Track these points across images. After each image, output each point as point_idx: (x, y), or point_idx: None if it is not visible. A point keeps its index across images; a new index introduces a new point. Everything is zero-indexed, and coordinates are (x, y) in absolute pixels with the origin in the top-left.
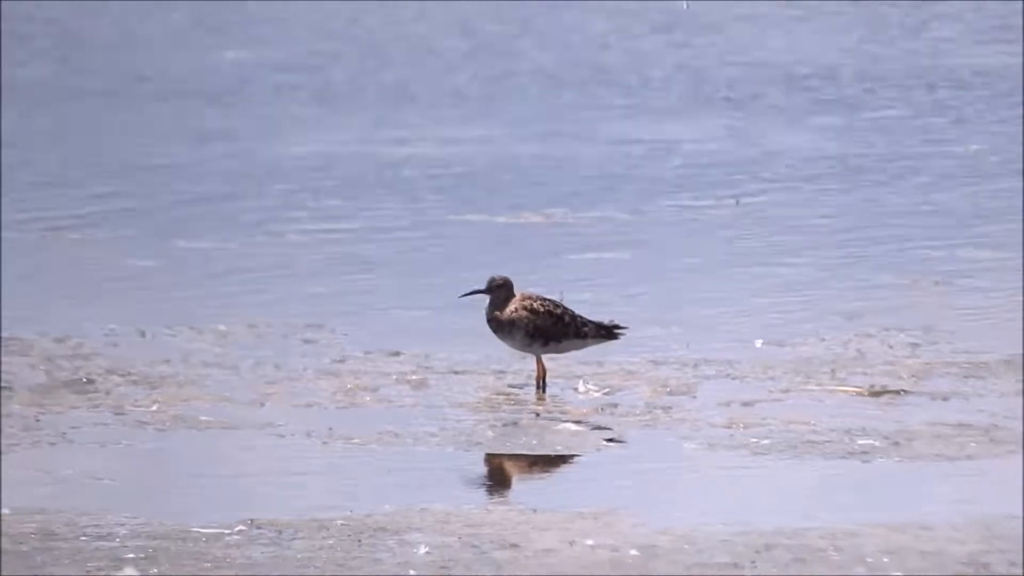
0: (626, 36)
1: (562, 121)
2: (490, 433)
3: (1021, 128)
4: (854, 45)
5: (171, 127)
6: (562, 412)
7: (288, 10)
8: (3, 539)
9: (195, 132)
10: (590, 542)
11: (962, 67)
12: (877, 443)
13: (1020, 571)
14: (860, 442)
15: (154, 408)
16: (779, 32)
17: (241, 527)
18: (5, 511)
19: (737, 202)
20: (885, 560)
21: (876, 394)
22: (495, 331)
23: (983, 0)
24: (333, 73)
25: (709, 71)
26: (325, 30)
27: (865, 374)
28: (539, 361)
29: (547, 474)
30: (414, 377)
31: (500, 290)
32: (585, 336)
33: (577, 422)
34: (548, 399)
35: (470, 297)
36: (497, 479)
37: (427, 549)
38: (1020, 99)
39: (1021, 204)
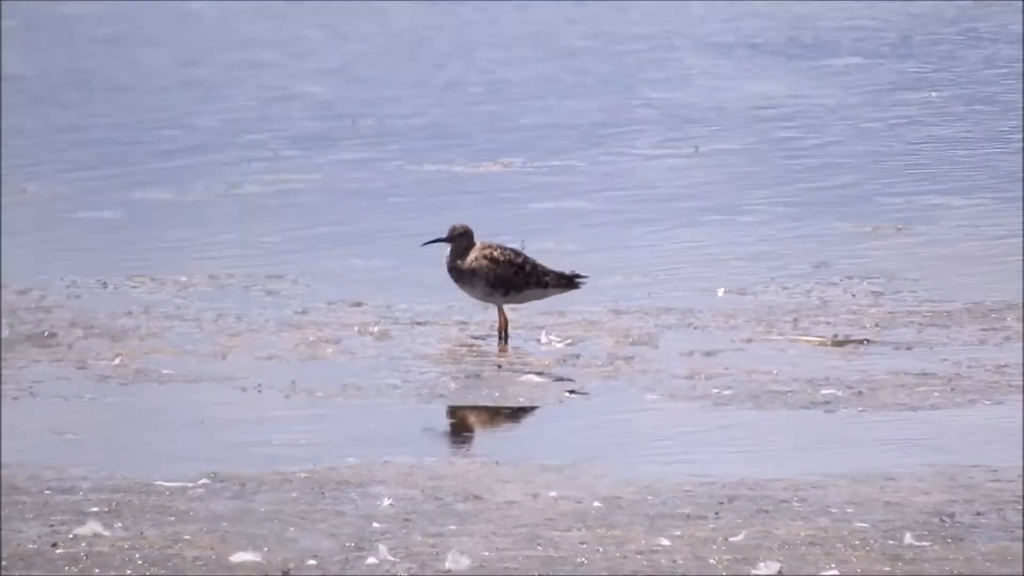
0: None
1: (519, 70)
2: (453, 385)
3: (982, 75)
4: None
5: (127, 78)
6: (524, 363)
7: None
8: None
9: (152, 81)
10: (553, 494)
11: (926, 14)
12: (840, 393)
13: (985, 521)
14: (823, 392)
15: (116, 362)
16: None
17: (204, 480)
18: None
19: (696, 150)
20: (849, 511)
21: (839, 343)
22: (456, 280)
23: None
24: (298, 27)
25: (665, 19)
26: None
27: (828, 323)
28: (501, 311)
29: (510, 426)
30: (376, 328)
31: (461, 238)
32: (546, 285)
33: (539, 373)
34: (510, 350)
35: (431, 247)
36: (460, 431)
37: (390, 501)
38: (980, 46)
39: (982, 151)
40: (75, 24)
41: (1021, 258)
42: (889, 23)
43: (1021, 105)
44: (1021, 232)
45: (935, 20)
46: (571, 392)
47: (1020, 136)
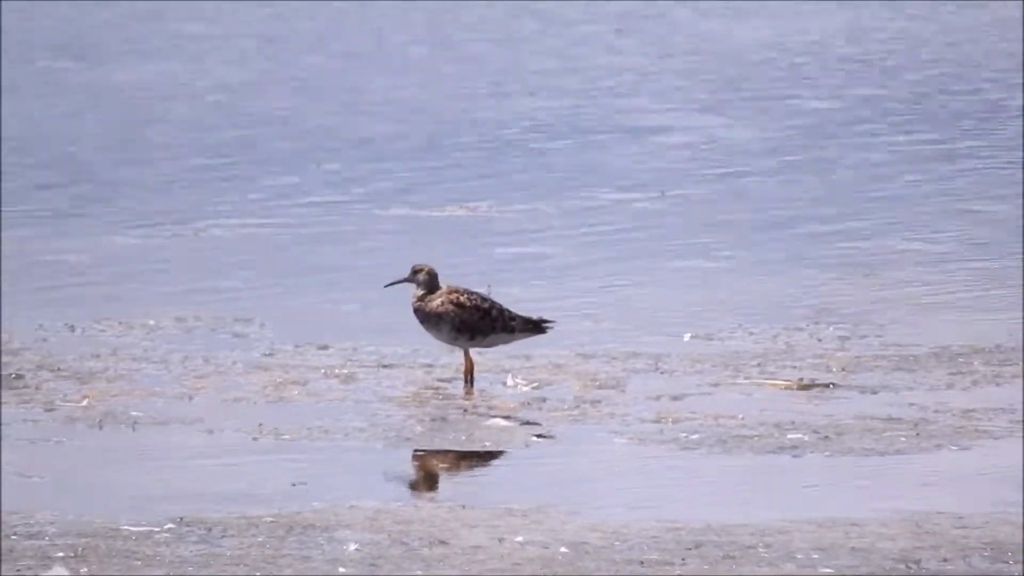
0: (556, 26)
1: (485, 113)
2: (419, 428)
3: (948, 120)
4: (784, 37)
5: (96, 118)
6: (490, 407)
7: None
8: None
9: (120, 124)
10: (520, 539)
11: (891, 59)
12: (806, 437)
13: (951, 568)
14: (789, 436)
15: (84, 404)
16: (707, 23)
17: (170, 525)
18: None
19: (663, 194)
20: (815, 557)
21: (805, 388)
22: (421, 322)
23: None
24: (260, 69)
25: (635, 62)
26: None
27: (794, 367)
28: (467, 355)
29: (476, 470)
30: (343, 371)
31: (420, 274)
32: (512, 330)
33: (506, 417)
34: (476, 393)
35: (397, 290)
36: (426, 475)
37: (356, 546)
38: (949, 92)
39: (949, 196)
40: (41, 59)
41: (987, 303)
42: (855, 65)
43: (987, 150)
44: (987, 276)
45: (902, 64)
46: (538, 436)
47: (986, 179)
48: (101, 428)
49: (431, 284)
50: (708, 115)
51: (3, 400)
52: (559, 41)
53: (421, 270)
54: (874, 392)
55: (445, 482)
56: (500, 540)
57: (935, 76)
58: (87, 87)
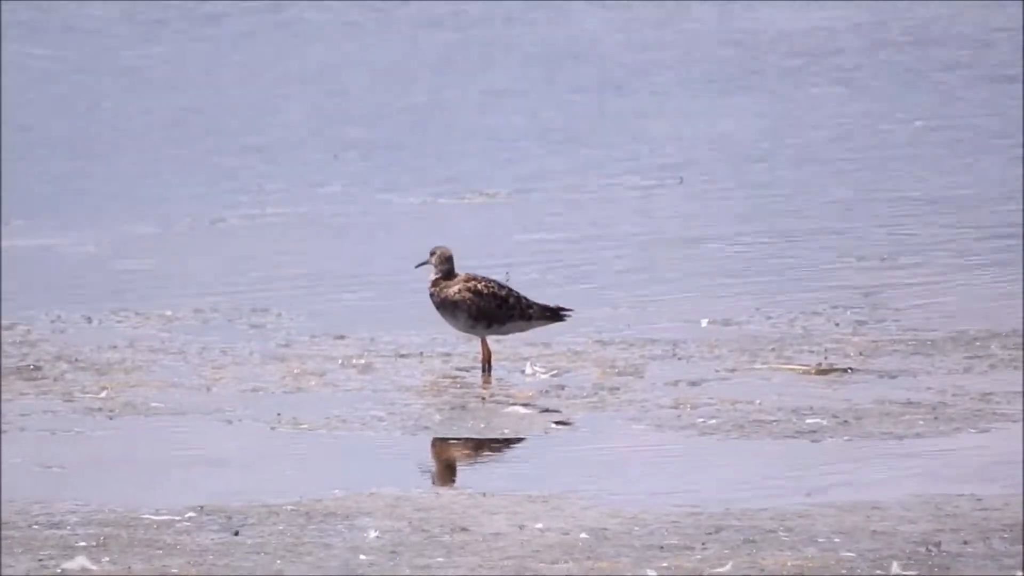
0: (568, 12)
1: (502, 98)
2: (437, 417)
3: (966, 105)
4: (797, 22)
5: (113, 110)
6: (509, 395)
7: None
8: None
9: (136, 116)
10: (540, 525)
11: (902, 39)
12: (825, 422)
13: (972, 550)
14: (808, 421)
15: (103, 395)
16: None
17: (191, 513)
18: None
19: (681, 181)
20: (836, 540)
21: (823, 372)
22: (437, 308)
23: None
24: (266, 53)
25: (652, 46)
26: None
27: (811, 352)
28: (484, 343)
29: (495, 457)
30: (360, 361)
31: (434, 257)
32: (530, 318)
33: (524, 405)
34: (494, 382)
35: (414, 279)
36: (446, 463)
37: (377, 533)
38: (964, 70)
39: (965, 180)
40: (63, 58)
41: (1004, 287)
42: (871, 48)
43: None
44: (1005, 261)
45: (916, 42)
46: (557, 423)
47: (1009, 165)
48: (120, 419)
49: (444, 267)
50: (728, 102)
51: (22, 391)
52: (574, 30)
53: (434, 252)
54: (892, 376)
55: (465, 470)
56: (520, 527)
57: (963, 64)
58: (99, 77)
